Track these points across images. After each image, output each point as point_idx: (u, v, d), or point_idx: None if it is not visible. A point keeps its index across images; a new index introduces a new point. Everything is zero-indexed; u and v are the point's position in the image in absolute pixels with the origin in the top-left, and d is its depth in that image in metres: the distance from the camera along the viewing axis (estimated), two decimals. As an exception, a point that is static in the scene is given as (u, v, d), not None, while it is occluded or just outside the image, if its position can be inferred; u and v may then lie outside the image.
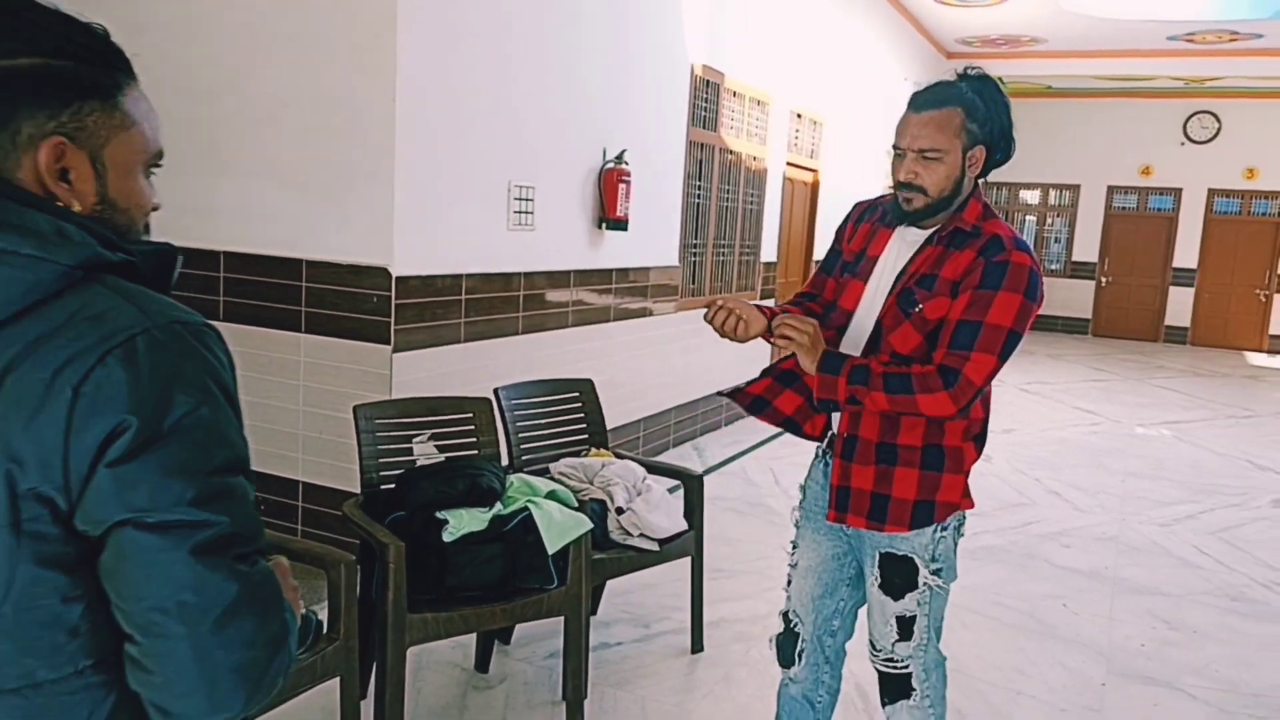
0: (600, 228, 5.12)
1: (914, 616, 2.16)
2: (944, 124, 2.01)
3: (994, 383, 2.05)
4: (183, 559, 0.92)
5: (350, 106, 3.75)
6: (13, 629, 0.94)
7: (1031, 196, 15.64)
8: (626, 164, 5.12)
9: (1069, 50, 11.75)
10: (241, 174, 4.02)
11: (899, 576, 2.15)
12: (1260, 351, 14.00)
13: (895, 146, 2.08)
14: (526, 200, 4.47)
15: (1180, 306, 14.65)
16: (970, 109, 2.02)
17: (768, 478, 5.79)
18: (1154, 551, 4.94)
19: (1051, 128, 14.90)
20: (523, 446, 3.38)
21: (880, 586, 2.18)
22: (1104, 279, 15.10)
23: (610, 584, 3.61)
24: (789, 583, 2.37)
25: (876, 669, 2.26)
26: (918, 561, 2.13)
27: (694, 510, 3.37)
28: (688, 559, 3.35)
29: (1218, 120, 14.12)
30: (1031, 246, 2.00)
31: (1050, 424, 8.08)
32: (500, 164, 4.30)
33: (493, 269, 4.28)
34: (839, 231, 2.33)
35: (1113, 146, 14.75)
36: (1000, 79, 2.12)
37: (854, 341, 2.16)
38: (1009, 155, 2.10)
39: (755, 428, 6.48)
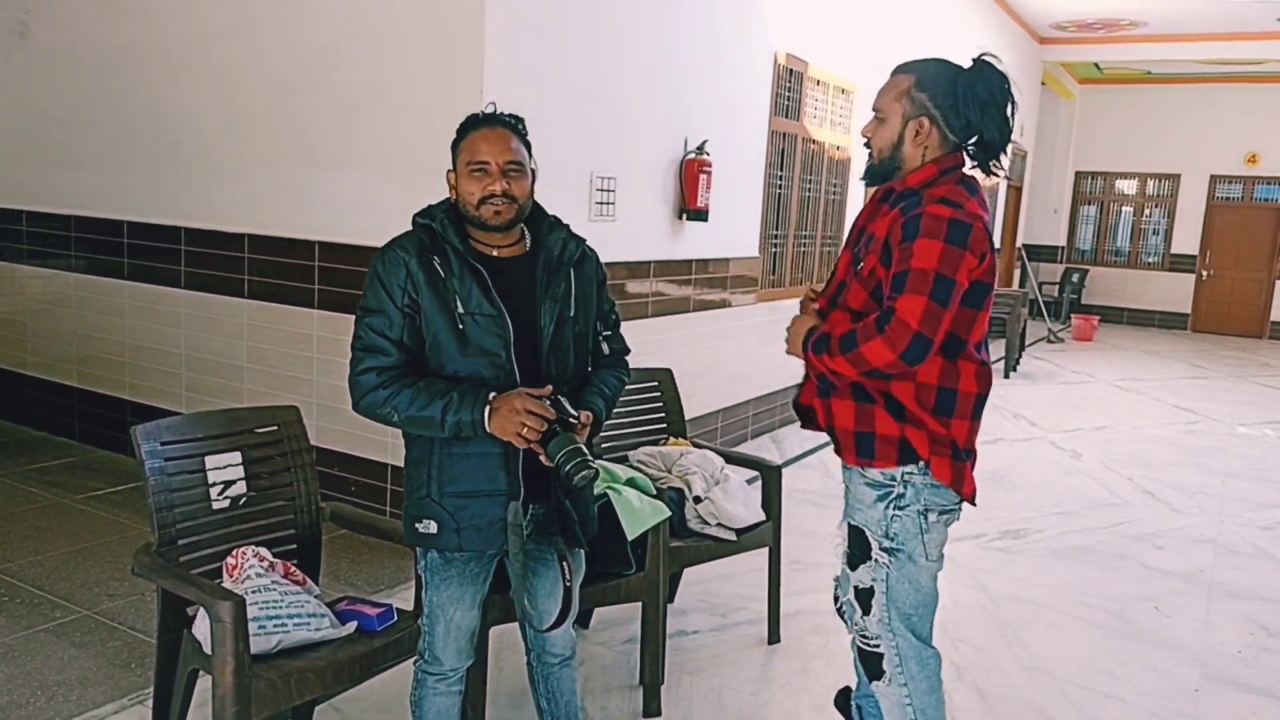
0: (681, 218, 5.12)
1: (870, 589, 2.22)
2: (890, 87, 2.14)
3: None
4: None
5: (437, 98, 3.82)
6: None
7: (1128, 187, 15.08)
8: (708, 154, 5.11)
9: (1170, 34, 11.29)
10: (332, 165, 4.14)
11: (856, 547, 2.25)
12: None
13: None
14: (608, 191, 4.50)
15: (1288, 301, 14.01)
16: (923, 77, 2.09)
17: (847, 471, 5.71)
18: (1254, 555, 4.74)
19: (1150, 115, 14.34)
20: (602, 434, 3.41)
21: (845, 554, 2.29)
22: (1205, 272, 14.49)
23: (688, 573, 3.63)
24: None
25: (855, 645, 2.34)
26: (868, 534, 2.20)
27: (772, 501, 3.37)
28: (765, 550, 3.35)
29: (1331, 105, 13.43)
30: (954, 206, 1.96)
31: (1145, 421, 7.77)
32: (583, 154, 4.34)
33: (574, 259, 4.32)
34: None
35: (1216, 134, 14.12)
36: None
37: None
38: (986, 141, 2.11)
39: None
